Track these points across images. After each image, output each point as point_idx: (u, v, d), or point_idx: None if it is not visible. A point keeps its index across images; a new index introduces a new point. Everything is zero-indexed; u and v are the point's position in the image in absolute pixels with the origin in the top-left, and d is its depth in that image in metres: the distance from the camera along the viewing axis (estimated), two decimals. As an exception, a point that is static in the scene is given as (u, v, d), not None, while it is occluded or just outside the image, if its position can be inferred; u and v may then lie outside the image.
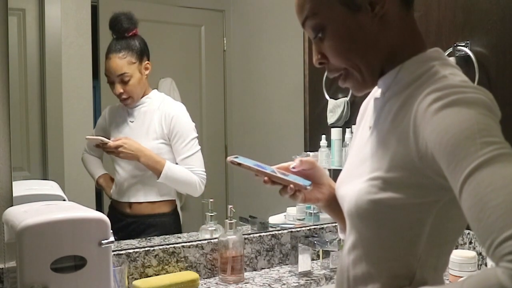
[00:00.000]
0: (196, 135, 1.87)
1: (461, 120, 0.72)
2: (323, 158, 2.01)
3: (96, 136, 1.81)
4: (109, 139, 1.81)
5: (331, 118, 2.13)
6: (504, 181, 0.66)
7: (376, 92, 0.98)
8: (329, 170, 2.03)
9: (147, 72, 1.84)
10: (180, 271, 1.63)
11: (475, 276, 0.67)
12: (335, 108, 2.12)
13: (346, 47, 0.89)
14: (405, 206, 0.83)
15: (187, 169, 1.83)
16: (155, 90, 1.89)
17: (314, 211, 1.96)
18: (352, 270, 0.92)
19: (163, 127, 1.82)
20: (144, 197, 1.82)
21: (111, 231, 1.16)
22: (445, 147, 0.72)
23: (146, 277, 1.58)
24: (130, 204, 1.82)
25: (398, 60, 0.89)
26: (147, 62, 1.83)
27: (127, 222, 1.82)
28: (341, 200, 0.97)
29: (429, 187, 0.81)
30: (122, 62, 1.79)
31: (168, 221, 1.86)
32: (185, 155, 1.84)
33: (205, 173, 1.86)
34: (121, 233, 1.74)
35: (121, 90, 1.80)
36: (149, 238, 1.76)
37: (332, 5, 0.87)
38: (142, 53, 1.83)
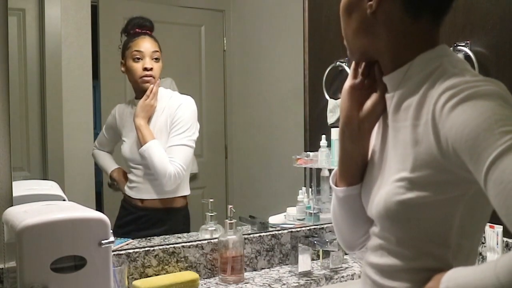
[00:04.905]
0: (195, 133, 1.87)
1: (478, 113, 0.74)
2: (323, 158, 2.01)
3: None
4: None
5: (331, 118, 2.13)
6: None
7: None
8: (329, 170, 2.03)
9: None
10: (180, 271, 1.63)
11: (507, 257, 0.69)
12: (335, 108, 2.11)
13: (345, 19, 0.95)
14: (433, 203, 0.84)
15: (168, 159, 1.80)
16: (161, 87, 1.90)
17: (314, 211, 1.96)
18: (386, 265, 0.92)
19: (168, 122, 1.83)
20: (157, 195, 1.83)
21: (111, 231, 1.16)
22: (465, 141, 0.74)
23: (146, 277, 1.58)
24: (142, 199, 1.84)
25: (401, 59, 0.90)
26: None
27: (138, 215, 1.84)
28: (369, 204, 0.97)
29: (454, 182, 0.82)
30: (155, 43, 1.87)
31: (178, 216, 1.88)
32: (171, 143, 1.82)
33: (183, 170, 1.82)
34: (131, 225, 1.79)
35: (151, 66, 1.82)
36: (149, 238, 1.76)
37: None
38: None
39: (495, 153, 0.70)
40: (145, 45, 1.84)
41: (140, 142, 1.80)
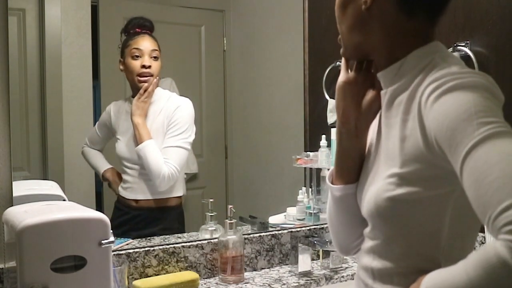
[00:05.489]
0: (191, 136, 1.86)
1: (459, 104, 0.73)
2: (323, 158, 2.01)
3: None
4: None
5: (331, 118, 2.13)
6: (499, 156, 0.67)
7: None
8: (329, 170, 2.03)
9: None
10: (180, 271, 1.63)
11: (476, 253, 0.69)
12: (335, 108, 2.11)
13: (339, 13, 0.96)
14: (423, 199, 0.83)
15: (163, 159, 1.80)
16: (159, 87, 1.90)
17: (314, 211, 1.96)
18: (377, 269, 0.92)
19: (164, 123, 1.83)
20: (151, 195, 1.83)
21: (111, 231, 1.16)
22: (445, 132, 0.74)
23: (146, 277, 1.58)
24: (137, 199, 1.84)
25: (395, 57, 0.91)
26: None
27: (132, 215, 1.84)
28: (362, 202, 0.97)
29: (443, 177, 0.81)
30: (155, 42, 1.86)
31: (173, 215, 1.88)
32: (167, 144, 1.82)
33: (177, 171, 1.81)
34: (126, 226, 1.78)
35: (150, 64, 1.82)
36: (149, 238, 1.76)
37: None
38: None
39: (471, 144, 0.70)
40: (145, 43, 1.84)
41: (137, 140, 1.80)
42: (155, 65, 1.84)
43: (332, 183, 1.04)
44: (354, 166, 1.00)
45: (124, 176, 1.85)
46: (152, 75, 1.83)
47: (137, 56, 1.83)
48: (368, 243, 0.96)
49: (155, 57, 1.84)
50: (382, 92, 0.95)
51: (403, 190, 0.84)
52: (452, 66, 0.82)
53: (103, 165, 1.86)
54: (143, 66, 1.82)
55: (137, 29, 1.85)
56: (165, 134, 1.83)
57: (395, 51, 0.90)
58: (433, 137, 0.77)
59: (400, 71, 0.90)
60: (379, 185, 0.88)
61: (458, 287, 0.69)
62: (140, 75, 1.83)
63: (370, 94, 0.97)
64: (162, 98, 1.87)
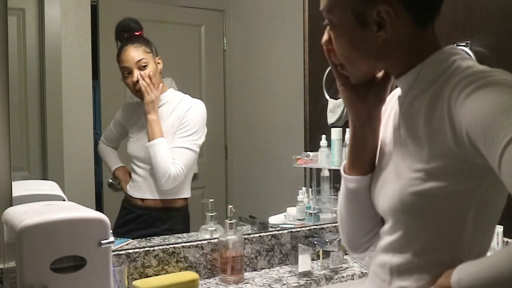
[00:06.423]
0: (201, 138, 1.86)
1: (492, 99, 0.76)
2: (323, 158, 2.01)
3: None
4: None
5: (331, 118, 2.13)
6: None
7: (397, 92, 1.00)
8: (329, 170, 2.03)
9: (160, 66, 1.86)
10: (180, 271, 1.63)
11: None
12: (335, 108, 2.11)
13: (347, 50, 0.94)
14: (449, 194, 0.85)
15: (171, 159, 1.81)
16: (172, 88, 1.90)
17: (314, 211, 1.96)
18: (396, 264, 0.93)
19: (175, 124, 1.84)
20: (158, 195, 1.84)
21: (111, 231, 1.16)
22: (480, 125, 0.76)
23: (146, 277, 1.58)
24: (143, 199, 1.85)
25: (411, 64, 0.92)
26: (158, 57, 1.86)
27: (138, 214, 1.85)
28: (381, 201, 0.96)
29: (469, 171, 0.83)
30: (139, 50, 1.83)
31: (178, 216, 1.89)
32: (175, 144, 1.83)
33: (183, 172, 1.82)
34: (131, 225, 1.80)
35: (138, 78, 1.81)
36: (149, 238, 1.76)
37: (345, 11, 0.91)
38: (153, 47, 1.86)
39: (510, 135, 0.71)
40: (128, 58, 1.82)
41: (148, 137, 1.80)
42: (145, 73, 1.81)
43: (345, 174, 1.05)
44: (367, 157, 1.01)
45: (133, 175, 1.86)
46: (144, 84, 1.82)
47: (128, 73, 1.82)
48: (386, 240, 0.96)
49: (143, 66, 1.82)
50: (400, 96, 0.96)
51: (430, 185, 0.85)
52: (478, 65, 0.86)
53: (115, 163, 1.88)
54: (134, 84, 1.82)
55: (125, 34, 1.84)
56: (175, 134, 1.83)
57: (412, 61, 0.92)
58: (464, 132, 0.79)
59: (419, 75, 0.91)
60: (403, 180, 0.89)
61: (500, 274, 0.71)
62: (135, 90, 1.83)
63: (373, 85, 0.98)
64: (174, 99, 1.88)
